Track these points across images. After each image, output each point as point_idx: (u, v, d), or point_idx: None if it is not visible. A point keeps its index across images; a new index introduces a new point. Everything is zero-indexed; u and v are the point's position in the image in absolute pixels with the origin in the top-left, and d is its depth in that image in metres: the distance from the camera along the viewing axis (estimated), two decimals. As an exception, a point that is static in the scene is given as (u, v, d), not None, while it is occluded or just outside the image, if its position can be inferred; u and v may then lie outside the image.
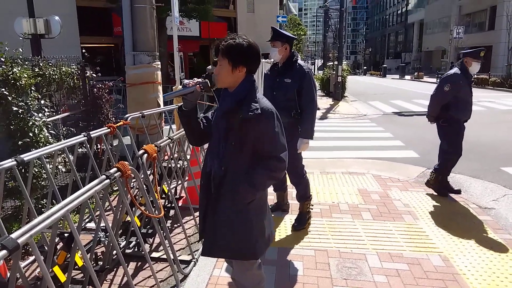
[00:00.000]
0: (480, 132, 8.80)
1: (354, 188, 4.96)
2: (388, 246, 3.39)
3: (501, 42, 30.58)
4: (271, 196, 4.26)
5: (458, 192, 4.73)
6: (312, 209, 3.96)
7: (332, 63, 21.67)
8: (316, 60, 58.28)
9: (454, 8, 39.27)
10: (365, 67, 62.72)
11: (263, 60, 13.35)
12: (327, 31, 28.35)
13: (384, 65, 48.98)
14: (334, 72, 18.13)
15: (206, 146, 4.78)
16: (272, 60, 3.66)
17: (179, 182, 4.29)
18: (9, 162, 2.55)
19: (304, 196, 3.80)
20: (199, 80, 1.98)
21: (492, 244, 3.40)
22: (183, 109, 2.00)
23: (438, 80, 4.59)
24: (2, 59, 3.64)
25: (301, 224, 3.76)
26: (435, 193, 4.72)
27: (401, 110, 13.67)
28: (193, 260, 3.10)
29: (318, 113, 4.90)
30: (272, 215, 4.01)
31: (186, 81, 1.97)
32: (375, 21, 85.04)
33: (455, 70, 4.54)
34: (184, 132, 3.65)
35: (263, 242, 2.04)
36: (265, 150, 1.92)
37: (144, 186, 2.61)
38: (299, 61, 3.50)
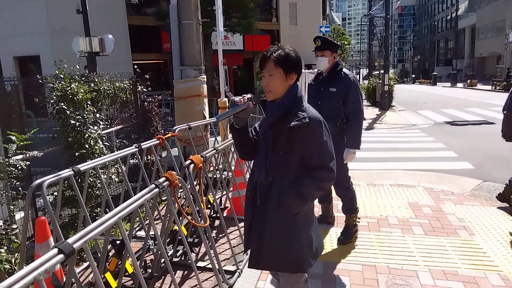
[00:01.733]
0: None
1: (404, 201, 4.76)
2: (441, 263, 3.21)
3: None
4: (316, 208, 4.19)
5: None
6: (358, 222, 3.84)
7: (378, 72, 21.16)
8: (361, 69, 57.21)
9: (509, 12, 37.10)
10: (413, 75, 60.56)
11: (306, 70, 13.31)
12: (372, 40, 27.81)
13: (434, 73, 47.05)
14: (380, 81, 17.68)
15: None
16: (316, 70, 3.64)
17: (224, 192, 4.35)
18: (67, 172, 2.71)
19: (351, 209, 3.70)
20: (249, 96, 1.96)
21: (560, 264, 3.12)
22: (236, 127, 2.00)
23: (510, 93, 4.08)
24: (61, 75, 3.92)
25: (347, 238, 3.65)
26: (494, 208, 4.41)
27: (453, 119, 13.01)
28: (238, 270, 3.11)
29: (364, 123, 4.78)
30: (333, 226, 3.95)
31: (236, 98, 1.95)
32: (423, 27, 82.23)
33: None
34: (229, 143, 3.73)
35: (311, 255, 2.00)
36: (313, 160, 1.89)
37: (191, 196, 2.67)
38: (344, 70, 3.46)
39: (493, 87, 29.75)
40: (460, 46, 56.81)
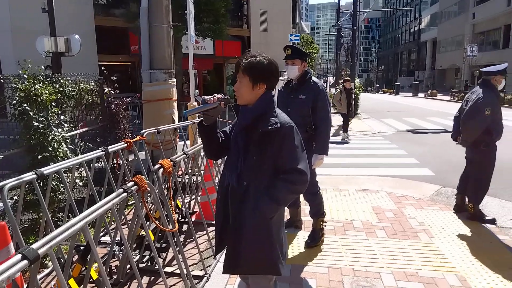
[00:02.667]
0: (498, 150, 8.64)
1: (368, 206, 4.92)
2: (403, 265, 3.34)
3: (516, 60, 30.27)
4: (284, 213, 4.24)
5: (492, 221, 4.34)
6: (325, 226, 3.93)
7: (342, 80, 21.74)
8: (328, 77, 58.51)
9: (468, 27, 39.24)
10: (377, 85, 62.61)
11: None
12: (339, 49, 28.53)
13: (397, 83, 48.83)
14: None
15: (219, 161, 4.83)
16: (286, 77, 3.72)
17: (193, 197, 4.33)
18: (29, 175, 2.62)
19: (318, 213, 3.78)
20: (220, 96, 2.00)
21: (509, 265, 3.32)
22: (204, 125, 2.03)
23: (469, 103, 4.32)
24: (25, 75, 3.78)
25: (314, 241, 3.73)
26: (452, 212, 4.64)
27: (415, 127, 13.56)
28: (206, 275, 3.10)
29: (331, 130, 4.93)
30: (285, 231, 4.01)
31: (206, 97, 1.98)
32: (387, 39, 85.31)
33: (487, 91, 4.26)
34: (198, 147, 3.73)
35: (283, 257, 2.05)
36: (285, 163, 1.93)
37: (159, 200, 2.65)
38: (313, 78, 3.56)
39: (452, 98, 31.30)
40: (422, 58, 59.38)
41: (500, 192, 5.50)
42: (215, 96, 1.99)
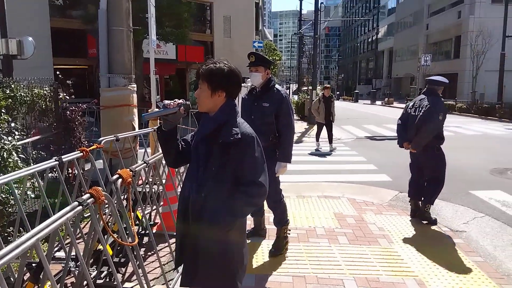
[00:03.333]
0: (449, 157, 9.08)
1: (330, 212, 4.99)
2: (364, 271, 3.41)
3: (466, 70, 32.23)
4: (248, 221, 4.22)
5: (434, 222, 4.60)
6: (289, 234, 3.94)
7: (306, 88, 22.15)
8: (291, 84, 59.51)
9: (422, 37, 41.27)
10: (337, 92, 64.32)
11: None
12: (301, 57, 29.07)
13: (356, 91, 50.41)
14: (309, 96, 18.52)
15: (181, 169, 4.71)
16: (249, 84, 3.70)
17: (154, 207, 4.20)
18: (-26, 188, 2.43)
19: (282, 221, 3.78)
20: (181, 101, 1.96)
21: (464, 267, 3.48)
22: (163, 130, 1.98)
23: (420, 110, 4.56)
24: (-29, 80, 3.52)
25: (279, 250, 3.72)
26: (408, 217, 4.81)
27: (373, 134, 14.03)
28: (168, 289, 3.00)
29: (294, 137, 5.00)
30: (249, 240, 3.99)
31: (166, 101, 1.94)
32: (347, 48, 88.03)
33: (436, 98, 4.56)
34: (160, 156, 3.62)
35: (242, 271, 2.01)
36: (245, 175, 1.90)
37: (118, 213, 2.53)
38: (277, 86, 3.58)
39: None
40: (379, 66, 61.76)
41: (453, 197, 5.77)
42: (175, 101, 1.95)
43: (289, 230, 3.98)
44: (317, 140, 11.09)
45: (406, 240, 4.09)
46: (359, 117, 22.10)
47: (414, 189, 4.86)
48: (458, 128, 15.73)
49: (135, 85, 6.37)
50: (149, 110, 6.39)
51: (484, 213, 5.03)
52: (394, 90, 50.02)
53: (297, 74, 30.98)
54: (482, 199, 5.70)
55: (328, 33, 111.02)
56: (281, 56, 51.34)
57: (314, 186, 6.40)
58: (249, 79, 3.68)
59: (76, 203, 2.03)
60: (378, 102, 41.11)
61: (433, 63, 33.99)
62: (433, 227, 4.47)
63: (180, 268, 3.24)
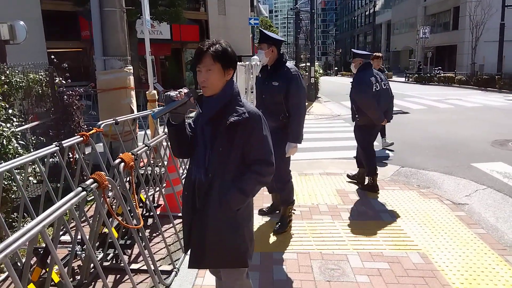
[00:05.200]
0: (450, 130, 9.11)
1: (332, 189, 5.01)
2: (368, 246, 3.44)
3: (465, 41, 31.85)
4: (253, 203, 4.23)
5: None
6: (294, 213, 3.96)
7: (304, 64, 21.92)
8: (288, 61, 58.89)
9: (420, 9, 40.61)
10: (336, 68, 63.77)
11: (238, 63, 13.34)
12: (298, 33, 28.63)
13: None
14: (307, 73, 18.34)
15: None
16: (261, 61, 3.61)
17: (157, 189, 4.20)
18: (-24, 177, 2.41)
19: (288, 201, 3.79)
20: (187, 91, 1.88)
21: (467, 240, 3.51)
22: (173, 124, 1.91)
23: (385, 85, 4.75)
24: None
25: (283, 228, 3.75)
26: (411, 191, 4.84)
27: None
28: (175, 270, 3.03)
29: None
30: (269, 217, 4.01)
31: (173, 93, 1.85)
32: (344, 22, 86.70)
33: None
34: (160, 138, 3.60)
35: (252, 247, 2.03)
36: (253, 154, 1.89)
37: (122, 196, 2.53)
38: (288, 64, 3.48)
39: (406, 79, 32.51)
40: (378, 40, 60.98)
41: (454, 170, 5.79)
42: (181, 91, 1.87)
43: (294, 210, 4.00)
44: (383, 135, 7.69)
45: (408, 215, 4.12)
46: (358, 93, 21.93)
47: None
48: (458, 101, 15.66)
49: (131, 67, 6.28)
50: (146, 94, 6.32)
51: (486, 185, 5.05)
52: (393, 64, 49.61)
53: (295, 51, 30.58)
54: (484, 171, 5.72)
55: (325, 8, 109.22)
56: (277, 33, 50.61)
57: (315, 164, 6.40)
58: (254, 57, 3.63)
59: (80, 188, 2.03)
60: (377, 77, 40.78)
61: (432, 35, 33.62)
62: (436, 200, 4.49)
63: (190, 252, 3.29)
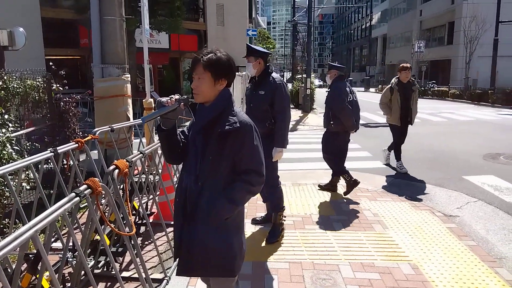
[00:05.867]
0: (442, 142, 9.20)
1: (325, 199, 5.04)
2: (360, 256, 3.46)
3: (459, 56, 32.23)
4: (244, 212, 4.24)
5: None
6: (284, 220, 3.98)
7: (300, 76, 22.08)
8: (285, 72, 59.28)
9: (415, 23, 41.18)
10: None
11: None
12: (295, 45, 28.89)
13: (350, 78, 50.34)
14: (303, 85, 18.47)
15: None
16: (249, 73, 3.79)
17: (151, 197, 4.21)
18: (-31, 181, 2.42)
19: (278, 207, 3.84)
20: (178, 97, 1.92)
21: (458, 251, 3.54)
22: (163, 129, 1.94)
23: (354, 96, 5.12)
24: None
25: (275, 237, 3.77)
26: (403, 202, 4.87)
27: (367, 121, 14.08)
28: (166, 278, 3.03)
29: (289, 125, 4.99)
30: (262, 226, 4.03)
31: (163, 99, 1.90)
32: (340, 35, 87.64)
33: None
34: (155, 146, 3.62)
35: (241, 258, 2.03)
36: (243, 164, 1.91)
37: (115, 203, 2.54)
38: (273, 74, 3.66)
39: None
40: (373, 53, 61.60)
41: (446, 182, 5.84)
42: (172, 97, 1.92)
43: (285, 217, 4.02)
44: (398, 158, 6.69)
45: (400, 226, 4.15)
46: (353, 105, 22.08)
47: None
48: (451, 114, 15.83)
49: (129, 75, 6.33)
50: (143, 102, 6.36)
51: (477, 197, 5.10)
52: (388, 77, 49.88)
53: (291, 62, 30.82)
54: (475, 184, 5.78)
55: (322, 20, 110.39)
56: (274, 44, 51.05)
57: (309, 174, 6.44)
58: (244, 67, 3.76)
59: (73, 194, 2.04)
60: (372, 89, 41.16)
61: (427, 50, 34.02)
62: (427, 212, 4.53)
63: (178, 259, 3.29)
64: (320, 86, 43.33)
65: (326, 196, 5.18)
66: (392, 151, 6.84)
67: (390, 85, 6.50)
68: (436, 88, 28.45)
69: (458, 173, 6.40)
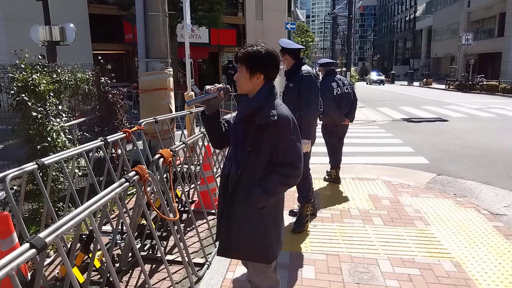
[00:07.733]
0: (490, 139, 8.76)
1: (364, 194, 4.98)
2: (399, 251, 3.41)
3: (510, 48, 30.39)
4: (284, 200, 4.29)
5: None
6: (311, 213, 4.01)
7: (340, 69, 21.72)
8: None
9: (463, 15, 39.15)
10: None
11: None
12: (335, 38, 28.45)
13: (392, 71, 48.84)
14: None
15: (217, 150, 4.85)
16: (281, 67, 3.92)
17: (192, 186, 4.36)
18: (31, 166, 2.63)
19: (306, 198, 3.89)
20: (221, 86, 2.05)
21: (504, 251, 3.40)
22: (206, 114, 2.08)
23: (348, 89, 5.22)
24: (22, 65, 3.75)
25: (300, 227, 3.82)
26: (447, 200, 4.73)
27: (410, 116, 13.63)
28: (207, 263, 3.15)
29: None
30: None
31: (208, 87, 2.04)
32: (383, 27, 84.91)
33: None
34: (197, 137, 3.75)
35: (278, 246, 2.08)
36: (280, 156, 1.94)
37: (160, 190, 2.67)
38: (303, 67, 3.73)
39: (447, 86, 31.40)
40: (417, 46, 59.27)
41: (494, 180, 5.59)
42: (215, 86, 2.05)
43: (311, 209, 4.04)
44: None
45: (443, 223, 4.03)
46: (395, 99, 21.47)
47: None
48: (501, 110, 14.99)
49: (171, 69, 6.53)
50: (184, 95, 6.54)
51: (527, 197, 4.84)
52: (433, 71, 48.03)
53: (331, 56, 30.34)
54: (526, 182, 5.48)
55: (363, 13, 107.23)
56: (313, 38, 50.37)
57: (348, 168, 6.36)
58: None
59: (123, 179, 2.18)
60: (416, 83, 39.66)
61: (475, 42, 32.29)
62: (472, 210, 4.37)
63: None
64: (380, 82, 41.87)
65: (365, 190, 5.12)
66: None
67: None
68: (485, 82, 26.98)
69: (506, 171, 6.09)
